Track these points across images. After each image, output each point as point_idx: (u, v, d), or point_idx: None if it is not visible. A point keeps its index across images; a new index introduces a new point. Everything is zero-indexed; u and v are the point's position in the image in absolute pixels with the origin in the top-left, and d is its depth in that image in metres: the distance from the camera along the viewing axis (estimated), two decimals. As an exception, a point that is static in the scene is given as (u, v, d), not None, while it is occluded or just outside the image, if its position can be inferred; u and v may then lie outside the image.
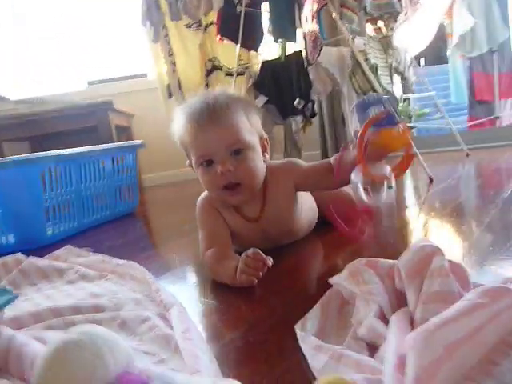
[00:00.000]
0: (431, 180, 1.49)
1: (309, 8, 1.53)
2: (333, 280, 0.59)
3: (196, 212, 0.92)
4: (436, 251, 0.48)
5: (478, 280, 0.50)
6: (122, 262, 0.93)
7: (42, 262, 1.03)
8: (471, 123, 2.99)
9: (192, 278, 0.91)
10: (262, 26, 1.97)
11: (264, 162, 0.86)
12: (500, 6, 2.86)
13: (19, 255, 1.05)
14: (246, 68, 2.11)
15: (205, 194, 0.92)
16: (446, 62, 3.60)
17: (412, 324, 0.44)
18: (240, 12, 1.80)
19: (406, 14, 1.87)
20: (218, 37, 1.96)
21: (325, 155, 2.58)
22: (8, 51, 2.96)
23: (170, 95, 2.32)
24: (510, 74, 3.09)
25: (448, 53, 3.34)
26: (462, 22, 2.76)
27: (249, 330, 0.58)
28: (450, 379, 0.32)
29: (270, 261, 0.70)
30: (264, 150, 0.86)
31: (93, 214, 1.60)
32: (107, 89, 2.93)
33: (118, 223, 1.67)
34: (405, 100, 2.28)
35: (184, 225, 1.46)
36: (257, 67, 2.27)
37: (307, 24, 1.56)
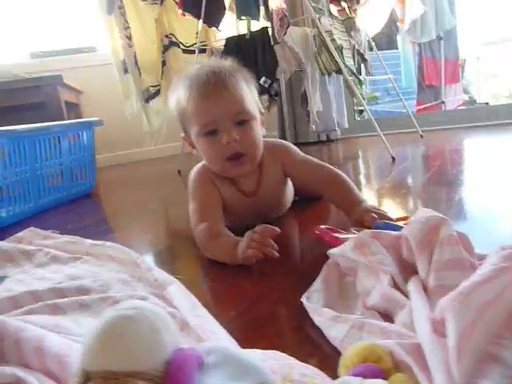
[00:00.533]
0: (393, 159, 1.54)
1: (277, -16, 1.51)
2: (333, 252, 0.59)
3: (189, 183, 0.89)
4: (443, 221, 0.50)
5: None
6: (97, 242, 0.89)
7: (6, 244, 0.95)
8: (419, 107, 3.13)
9: (176, 257, 0.88)
10: (223, 2, 1.92)
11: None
12: (448, -5, 2.99)
13: (-23, 238, 0.97)
14: (205, 45, 2.06)
15: (200, 166, 0.89)
16: (396, 48, 3.73)
17: (425, 291, 0.46)
18: (203, -14, 1.74)
19: (366, -4, 1.90)
20: (180, 12, 1.88)
21: (282, 135, 2.60)
22: None
23: (126, 71, 2.21)
24: (455, 61, 3.27)
25: (398, 38, 3.46)
26: (413, 9, 2.85)
27: (252, 306, 0.58)
28: (484, 337, 0.34)
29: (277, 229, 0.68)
30: (261, 123, 0.85)
31: (49, 194, 1.50)
32: (53, 63, 2.73)
33: (77, 205, 1.59)
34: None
35: (149, 204, 1.42)
36: (216, 44, 2.22)
37: (274, 1, 1.54)
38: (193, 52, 2.32)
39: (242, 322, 0.53)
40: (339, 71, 1.65)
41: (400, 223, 0.68)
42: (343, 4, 1.68)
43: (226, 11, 2.04)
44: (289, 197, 0.96)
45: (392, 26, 3.58)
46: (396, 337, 0.40)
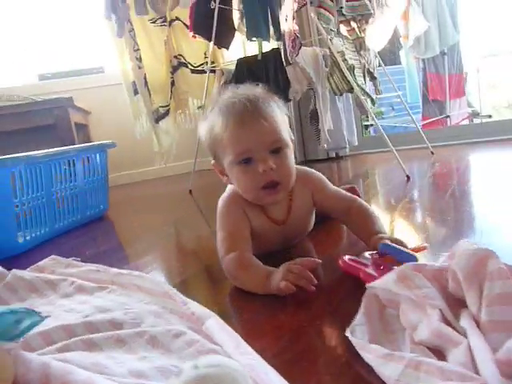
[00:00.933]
0: (408, 178, 1.54)
1: (289, 7, 1.52)
2: (373, 285, 0.59)
3: (218, 211, 0.87)
4: (490, 254, 0.49)
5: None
6: (123, 271, 0.88)
7: (28, 274, 0.95)
8: (425, 122, 3.14)
9: (202, 287, 0.87)
10: (233, 23, 1.94)
11: None
12: (450, 11, 3.02)
13: (-1, 268, 0.96)
14: (214, 66, 2.07)
15: (229, 193, 0.88)
16: (399, 63, 3.76)
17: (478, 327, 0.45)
18: (213, 8, 1.76)
19: (373, 16, 1.92)
20: (191, 34, 1.90)
21: (291, 153, 2.60)
22: None
23: (136, 92, 2.23)
24: (459, 75, 3.29)
25: (401, 54, 3.49)
26: (417, 25, 2.88)
27: (294, 340, 0.57)
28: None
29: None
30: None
31: (64, 218, 1.50)
32: (60, 84, 2.76)
33: (90, 228, 1.58)
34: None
35: (163, 227, 1.41)
36: (223, 65, 2.24)
37: (286, 24, 1.55)
38: (201, 72, 2.35)
39: (287, 359, 0.52)
40: (351, 90, 1.66)
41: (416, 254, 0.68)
42: (353, 24, 1.70)
43: (236, 32, 2.06)
44: (312, 222, 0.95)
45: (395, 41, 3.62)
46: (457, 378, 0.39)
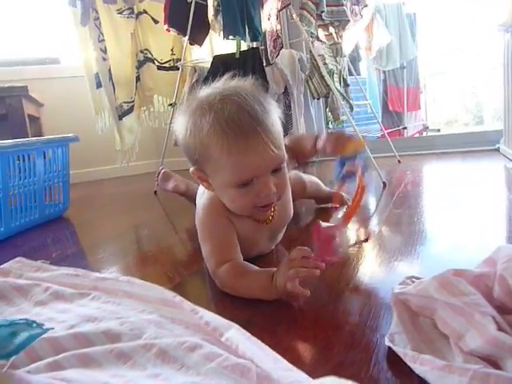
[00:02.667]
0: (385, 185, 1.55)
1: (273, 6, 1.49)
2: (406, 291, 0.55)
3: (200, 222, 0.81)
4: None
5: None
6: (108, 275, 0.79)
7: (-8, 278, 0.83)
8: (386, 131, 3.22)
9: (190, 297, 0.80)
10: (208, 20, 1.88)
11: None
12: (410, 27, 3.15)
13: (-43, 271, 0.84)
14: (177, 61, 1.99)
15: (210, 201, 0.80)
16: (358, 74, 3.87)
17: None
18: (190, 3, 1.69)
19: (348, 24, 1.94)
20: (165, 27, 1.81)
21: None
22: None
23: (99, 85, 2.09)
24: (415, 89, 3.43)
25: (361, 65, 3.58)
26: (381, 38, 2.97)
27: (326, 350, 0.52)
28: None
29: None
30: None
31: (21, 217, 1.36)
32: (14, 72, 2.54)
33: (50, 228, 1.45)
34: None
35: (126, 235, 1.30)
36: (190, 59, 2.16)
37: (268, 23, 1.52)
38: (168, 69, 2.26)
39: (328, 370, 0.47)
40: (327, 95, 1.65)
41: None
42: (331, 29, 1.70)
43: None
44: (291, 206, 0.92)
45: (355, 52, 3.71)
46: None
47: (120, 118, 2.14)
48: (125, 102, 2.16)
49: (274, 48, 1.51)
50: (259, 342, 0.50)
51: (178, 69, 1.99)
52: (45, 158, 1.46)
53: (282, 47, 1.52)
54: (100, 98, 2.12)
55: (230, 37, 1.69)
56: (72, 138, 1.60)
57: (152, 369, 0.52)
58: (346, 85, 1.91)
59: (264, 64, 1.58)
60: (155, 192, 1.93)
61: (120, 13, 2.10)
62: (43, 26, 2.63)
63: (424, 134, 4.06)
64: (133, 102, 2.19)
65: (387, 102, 3.37)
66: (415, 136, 3.65)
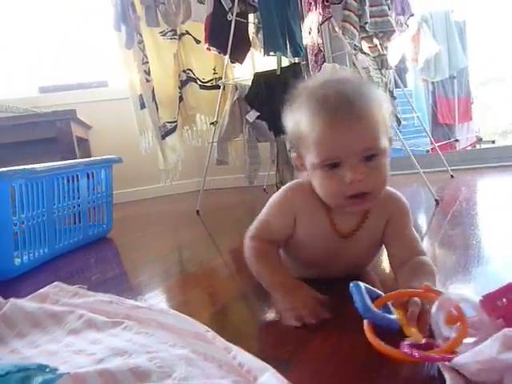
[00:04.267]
0: (437, 202, 1.45)
1: (313, 19, 1.45)
2: (461, 360, 0.46)
3: (272, 198, 0.78)
4: None
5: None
6: (141, 304, 0.76)
7: (29, 304, 0.82)
8: (437, 144, 3.07)
9: (231, 325, 0.75)
10: (249, 37, 1.87)
11: None
12: (460, 35, 3.00)
13: (-5, 296, 0.84)
14: (226, 81, 1.99)
15: (295, 186, 0.77)
16: (405, 86, 3.74)
17: None
18: (230, 21, 1.68)
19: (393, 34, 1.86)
20: (206, 46, 1.82)
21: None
22: None
23: (143, 106, 2.13)
24: (466, 100, 3.25)
25: (408, 77, 3.46)
26: (427, 48, 2.86)
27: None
28: None
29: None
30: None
31: (65, 238, 1.38)
32: (62, 97, 2.66)
33: (93, 249, 1.46)
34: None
35: (169, 256, 1.28)
36: (232, 79, 2.16)
37: (309, 37, 1.48)
38: (210, 88, 2.27)
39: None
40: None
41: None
42: (375, 41, 1.63)
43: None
44: (374, 256, 0.82)
45: (401, 64, 3.60)
46: None
47: (163, 137, 2.16)
48: (168, 122, 2.19)
49: (315, 63, 1.46)
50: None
51: (220, 87, 1.99)
52: (88, 179, 1.48)
53: (324, 61, 1.47)
54: (144, 118, 2.16)
55: (271, 53, 1.67)
56: (115, 159, 1.62)
57: (179, 414, 0.48)
58: (393, 97, 1.82)
59: (305, 79, 1.53)
60: (197, 212, 1.92)
61: (163, 35, 2.14)
62: (92, 50, 2.74)
63: (478, 146, 3.85)
64: (176, 121, 2.21)
65: (436, 114, 3.22)
66: (468, 149, 3.46)
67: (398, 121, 1.63)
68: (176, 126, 2.20)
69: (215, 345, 0.57)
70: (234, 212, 1.94)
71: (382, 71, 1.72)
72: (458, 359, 0.46)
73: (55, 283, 0.91)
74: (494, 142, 4.44)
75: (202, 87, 2.28)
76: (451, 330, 0.50)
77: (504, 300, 0.48)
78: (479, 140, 4.15)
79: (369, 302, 0.56)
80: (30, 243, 1.21)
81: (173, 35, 2.16)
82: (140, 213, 2.24)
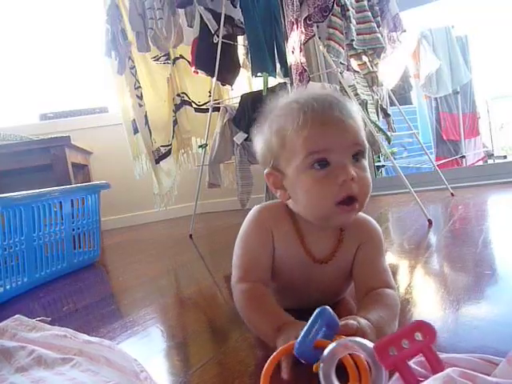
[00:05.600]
0: (430, 222, 1.38)
1: (296, 39, 1.43)
2: None
3: (242, 226, 0.72)
4: None
5: None
6: (92, 338, 0.72)
7: (-17, 339, 0.79)
8: (439, 162, 3.00)
9: (202, 353, 0.69)
10: (238, 59, 1.86)
11: None
12: (461, 50, 2.96)
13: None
14: (218, 103, 1.98)
15: (263, 208, 0.71)
16: (409, 103, 3.68)
17: None
18: (216, 43, 1.68)
19: (385, 51, 1.83)
20: (193, 69, 1.82)
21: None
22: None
23: (136, 130, 2.13)
24: (472, 115, 3.18)
25: (412, 94, 3.41)
26: (429, 64, 2.82)
27: None
28: None
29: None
30: None
31: (47, 267, 1.35)
32: (62, 124, 2.69)
33: (78, 277, 1.43)
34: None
35: (151, 281, 1.25)
36: (229, 102, 2.15)
37: (293, 56, 1.46)
38: (205, 111, 2.26)
39: None
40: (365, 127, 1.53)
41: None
42: (364, 58, 1.60)
43: (241, 69, 1.99)
44: (348, 286, 0.76)
45: (404, 81, 3.56)
46: None
47: (157, 162, 2.15)
48: (162, 146, 2.18)
49: (299, 82, 1.44)
50: None
51: (216, 110, 1.98)
52: (73, 205, 1.46)
53: (309, 80, 1.45)
54: (137, 143, 2.16)
55: (259, 74, 1.65)
56: (102, 185, 1.60)
57: None
58: (387, 115, 1.78)
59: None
60: (190, 236, 1.88)
61: (157, 59, 2.15)
62: (92, 77, 2.78)
63: (489, 161, 3.75)
64: (170, 145, 2.20)
65: (441, 130, 3.15)
66: (477, 164, 3.37)
67: (388, 139, 1.58)
68: (170, 149, 2.19)
69: (146, 387, 0.52)
70: (228, 234, 1.90)
71: (374, 88, 1.68)
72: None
73: (16, 316, 0.87)
74: (505, 157, 4.33)
75: (197, 110, 2.28)
76: None
77: (394, 349, 0.43)
78: (490, 155, 4.05)
79: (314, 337, 0.50)
80: (6, 272, 1.18)
81: (166, 60, 2.17)
82: (134, 238, 2.21)
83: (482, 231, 1.23)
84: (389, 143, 1.60)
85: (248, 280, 0.67)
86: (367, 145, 0.63)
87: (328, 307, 0.52)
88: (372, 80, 1.64)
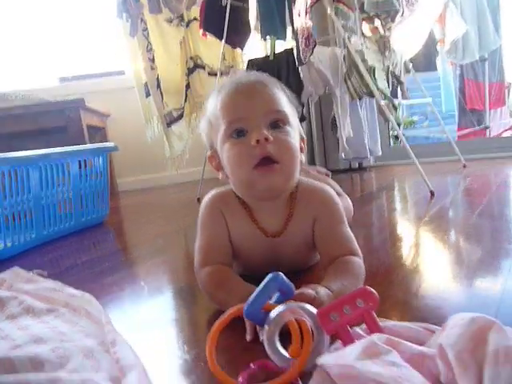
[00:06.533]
0: (432, 194, 1.36)
1: (302, 2, 1.39)
2: (328, 360, 0.43)
3: (200, 213, 0.74)
4: (492, 324, 0.34)
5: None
6: (76, 292, 0.77)
7: (-18, 288, 0.85)
8: (461, 132, 2.91)
9: (167, 316, 0.73)
10: (248, 22, 1.82)
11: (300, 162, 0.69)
12: (492, 13, 2.79)
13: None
14: (231, 67, 1.96)
15: (213, 193, 0.74)
16: (435, 70, 3.53)
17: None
18: (225, 6, 1.65)
19: (402, 14, 1.76)
20: (201, 31, 1.80)
21: (312, 162, 2.45)
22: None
23: (148, 94, 2.15)
24: (500, 84, 3.03)
25: (438, 60, 3.26)
26: (455, 28, 2.67)
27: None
28: None
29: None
30: (301, 150, 0.69)
31: (54, 224, 1.42)
32: (81, 86, 2.74)
33: (85, 235, 1.50)
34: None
35: (158, 238, 1.31)
36: (242, 66, 2.13)
37: (299, 19, 1.42)
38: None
39: None
40: (371, 94, 1.50)
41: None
42: (376, 22, 1.54)
43: (253, 32, 1.95)
44: (314, 257, 0.78)
45: (431, 46, 3.39)
46: None
47: (169, 125, 2.17)
48: (174, 109, 2.19)
49: (306, 46, 1.41)
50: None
51: (227, 74, 1.97)
52: (80, 167, 1.51)
53: (315, 45, 1.41)
54: (149, 106, 2.18)
55: (267, 37, 1.62)
56: (110, 147, 1.64)
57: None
58: (399, 82, 1.73)
59: (297, 64, 1.48)
60: (198, 199, 1.92)
61: (169, 22, 2.13)
62: (109, 39, 2.78)
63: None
64: (182, 109, 2.21)
65: (464, 99, 3.02)
66: (503, 136, 3.24)
67: (394, 107, 1.54)
68: (182, 113, 2.21)
69: (108, 338, 0.57)
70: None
71: (386, 54, 1.63)
72: (322, 359, 0.42)
73: (14, 268, 0.93)
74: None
75: (211, 74, 2.27)
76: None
77: (336, 315, 0.44)
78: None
79: (263, 301, 0.52)
80: (14, 228, 1.25)
81: (179, 22, 2.15)
82: (143, 201, 2.27)
83: (481, 204, 1.21)
84: (395, 111, 1.56)
85: (210, 263, 0.68)
86: (288, 112, 0.65)
87: (281, 273, 0.53)
88: (384, 45, 1.58)
